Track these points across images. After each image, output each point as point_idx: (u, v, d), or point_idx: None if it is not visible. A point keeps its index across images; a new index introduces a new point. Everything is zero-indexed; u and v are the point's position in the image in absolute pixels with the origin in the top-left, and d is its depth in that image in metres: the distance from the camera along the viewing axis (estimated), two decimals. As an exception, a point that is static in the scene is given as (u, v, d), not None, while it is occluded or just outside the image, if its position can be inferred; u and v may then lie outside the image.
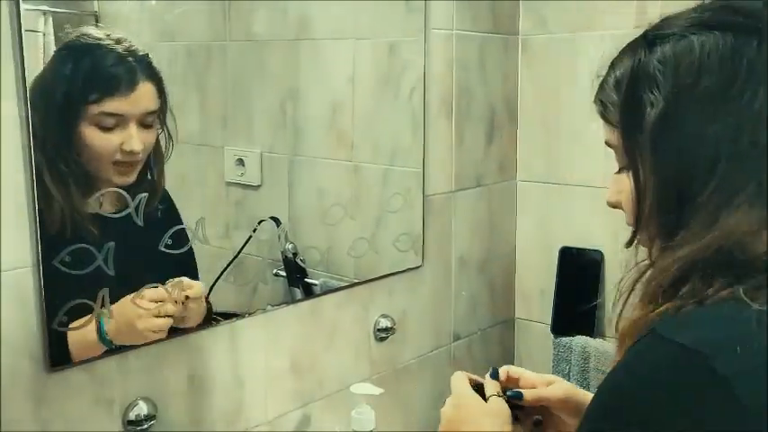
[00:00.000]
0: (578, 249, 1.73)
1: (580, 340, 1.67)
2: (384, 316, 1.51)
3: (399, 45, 1.54)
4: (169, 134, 1.17)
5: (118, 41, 1.09)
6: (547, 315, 1.77)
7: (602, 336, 1.71)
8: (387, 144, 1.56)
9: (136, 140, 1.11)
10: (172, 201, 1.20)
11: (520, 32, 1.77)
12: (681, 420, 0.59)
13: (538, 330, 1.83)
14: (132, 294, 1.10)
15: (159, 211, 1.16)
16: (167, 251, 1.14)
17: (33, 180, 0.98)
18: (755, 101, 0.66)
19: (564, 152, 1.73)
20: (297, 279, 1.41)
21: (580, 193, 1.72)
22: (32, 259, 0.99)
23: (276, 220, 1.36)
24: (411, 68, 1.54)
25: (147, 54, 1.12)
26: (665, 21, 0.73)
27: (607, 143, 0.77)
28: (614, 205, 0.79)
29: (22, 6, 0.96)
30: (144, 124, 1.13)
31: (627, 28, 1.62)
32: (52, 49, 1.03)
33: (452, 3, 1.59)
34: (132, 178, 1.14)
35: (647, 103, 0.69)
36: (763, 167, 0.65)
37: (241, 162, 1.36)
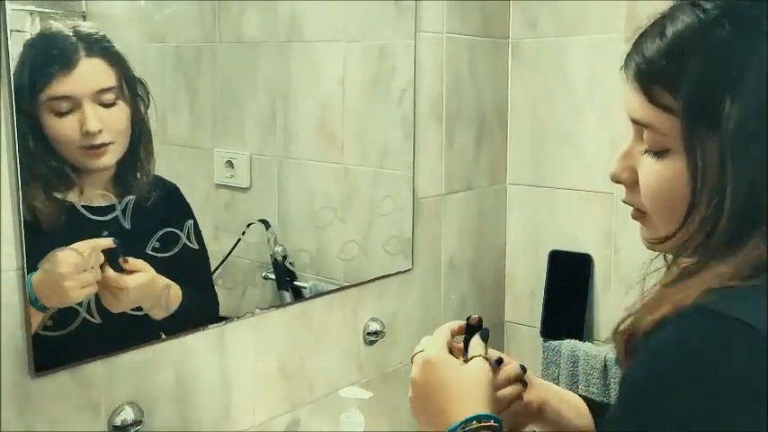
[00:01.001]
0: (568, 253, 1.73)
1: (569, 344, 1.67)
2: (373, 319, 1.51)
3: (390, 48, 1.53)
4: (146, 105, 1.14)
5: (72, 28, 1.07)
6: (536, 318, 1.77)
7: (591, 339, 1.71)
8: (377, 147, 1.55)
9: (91, 120, 1.08)
10: (181, 196, 1.19)
11: (510, 36, 1.77)
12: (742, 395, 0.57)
13: (527, 333, 1.82)
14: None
15: (155, 204, 1.15)
16: (154, 254, 1.13)
17: (18, 181, 0.97)
18: None
19: (554, 156, 1.72)
20: (286, 282, 1.40)
21: (570, 196, 1.72)
22: (17, 263, 0.98)
23: (265, 223, 1.36)
24: (401, 71, 1.54)
25: (97, 32, 1.09)
26: None
27: (635, 120, 0.69)
28: (620, 182, 0.72)
29: (8, 6, 0.95)
30: (102, 103, 1.09)
31: (616, 32, 1.64)
32: (39, 49, 1.02)
33: (443, 6, 1.59)
34: (108, 160, 1.11)
35: (728, 98, 0.61)
36: None
37: (230, 164, 1.35)
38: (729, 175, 0.62)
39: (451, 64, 1.63)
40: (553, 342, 1.70)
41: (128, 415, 1.09)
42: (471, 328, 0.88)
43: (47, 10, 1.03)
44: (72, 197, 1.07)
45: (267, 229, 1.36)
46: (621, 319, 0.70)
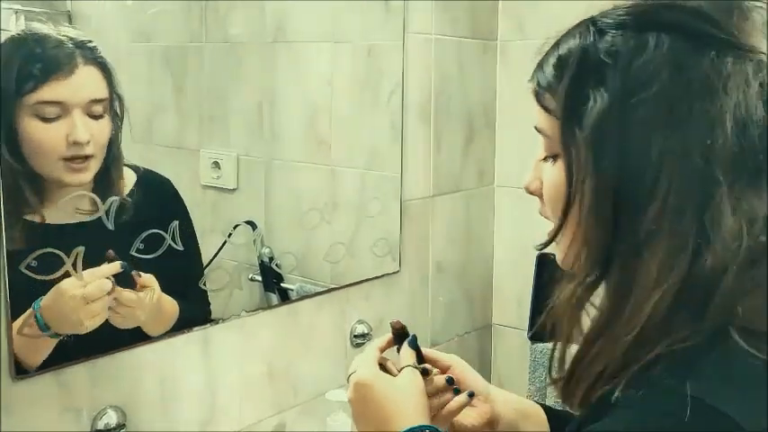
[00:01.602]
0: (556, 256, 1.73)
1: (557, 346, 1.66)
2: (360, 322, 1.50)
3: (378, 49, 1.53)
4: (121, 122, 1.11)
5: (65, 34, 1.03)
6: (524, 321, 1.77)
7: (578, 342, 1.71)
8: (364, 148, 1.55)
9: (81, 130, 1.04)
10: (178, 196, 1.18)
11: (498, 38, 1.77)
12: None
13: (515, 336, 1.82)
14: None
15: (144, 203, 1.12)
16: (140, 256, 1.12)
17: None
18: (705, 120, 0.60)
19: (542, 158, 1.72)
20: (273, 284, 1.40)
21: (558, 199, 1.71)
22: (-5, 264, 0.97)
23: (252, 224, 1.35)
24: (389, 72, 1.53)
25: (90, 40, 1.06)
26: (619, 9, 0.66)
27: (537, 128, 0.71)
28: (532, 192, 0.74)
29: (-4, 5, 0.94)
30: (91, 114, 1.06)
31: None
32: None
33: (431, 7, 1.59)
34: (87, 176, 1.07)
35: (591, 96, 0.63)
36: (710, 194, 0.59)
37: (217, 165, 1.34)
38: (591, 175, 0.63)
39: (440, 65, 1.63)
40: (540, 345, 1.70)
41: (111, 419, 1.08)
42: (400, 337, 0.90)
43: (32, 9, 1.02)
44: (39, 216, 1.03)
45: (254, 230, 1.35)
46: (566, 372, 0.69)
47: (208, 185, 1.35)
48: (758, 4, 0.64)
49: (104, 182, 1.10)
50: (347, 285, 1.48)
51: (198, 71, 1.28)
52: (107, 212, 1.08)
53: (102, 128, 1.08)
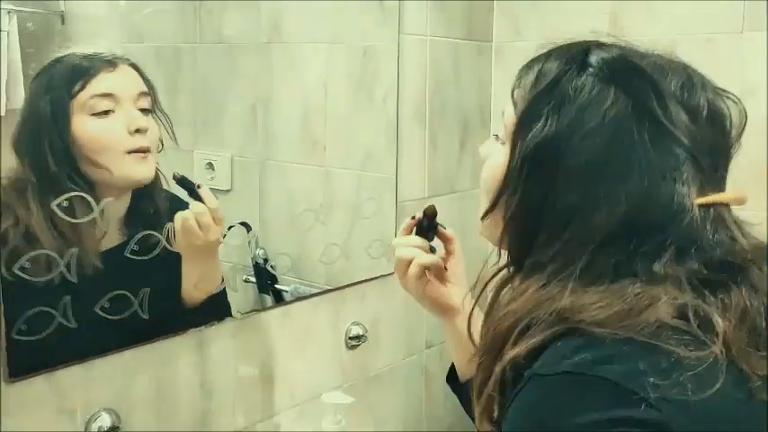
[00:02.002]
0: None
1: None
2: (356, 323, 1.50)
3: (373, 50, 1.52)
4: (168, 121, 1.14)
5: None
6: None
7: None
8: (359, 149, 1.54)
9: (139, 117, 1.07)
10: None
11: (494, 39, 1.77)
12: None
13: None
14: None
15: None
16: (133, 257, 1.11)
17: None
18: (622, 190, 0.66)
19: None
20: (267, 285, 1.39)
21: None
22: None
23: (246, 226, 1.34)
24: (384, 73, 1.53)
25: (116, 53, 1.09)
26: (609, 47, 0.73)
27: (503, 113, 0.77)
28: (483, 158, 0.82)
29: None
30: (141, 108, 1.09)
31: (600, 36, 1.64)
32: (16, 48, 1.00)
33: (426, 8, 1.58)
34: (149, 171, 1.10)
35: (545, 117, 0.70)
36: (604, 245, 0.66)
37: (211, 166, 1.34)
38: (519, 185, 0.72)
39: (435, 67, 1.63)
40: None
41: (104, 421, 1.07)
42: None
43: (25, 9, 1.01)
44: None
45: (248, 231, 1.34)
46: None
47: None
48: (728, 94, 0.73)
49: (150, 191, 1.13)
50: (342, 287, 1.48)
51: (192, 72, 1.27)
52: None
53: (153, 123, 1.11)
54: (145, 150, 1.09)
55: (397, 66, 1.53)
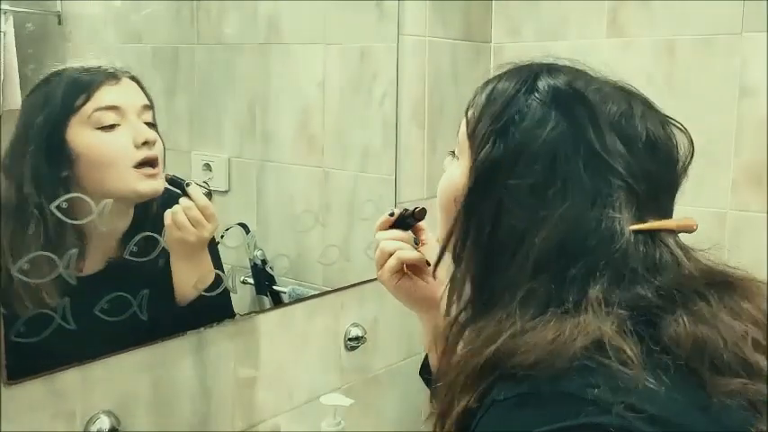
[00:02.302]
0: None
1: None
2: (355, 325, 1.49)
3: (371, 50, 1.52)
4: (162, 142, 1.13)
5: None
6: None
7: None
8: (358, 150, 1.54)
9: (146, 129, 1.06)
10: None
11: (492, 40, 1.77)
12: None
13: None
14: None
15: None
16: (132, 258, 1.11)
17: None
18: (557, 214, 0.68)
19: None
20: (265, 287, 1.38)
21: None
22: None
23: (244, 227, 1.34)
24: (383, 74, 1.53)
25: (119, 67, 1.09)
26: (558, 70, 0.75)
27: (459, 129, 0.80)
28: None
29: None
30: (145, 122, 1.08)
31: (599, 37, 1.64)
32: (12, 49, 1.00)
33: (425, 9, 1.58)
34: (157, 186, 1.09)
35: (492, 139, 0.72)
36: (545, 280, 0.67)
37: (208, 167, 1.33)
38: (470, 201, 0.73)
39: (434, 67, 1.62)
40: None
41: (103, 424, 1.06)
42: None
43: (22, 10, 1.01)
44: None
45: (246, 233, 1.33)
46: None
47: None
48: (675, 123, 0.74)
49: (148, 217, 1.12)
50: (341, 288, 1.48)
51: (189, 72, 1.27)
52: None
53: (157, 136, 1.10)
54: (153, 161, 1.08)
55: (395, 66, 1.53)
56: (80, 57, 1.07)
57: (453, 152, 0.82)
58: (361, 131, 1.54)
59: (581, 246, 0.68)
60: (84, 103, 1.02)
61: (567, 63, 0.77)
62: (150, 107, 1.10)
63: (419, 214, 1.02)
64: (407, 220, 1.03)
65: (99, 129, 1.03)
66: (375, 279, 1.52)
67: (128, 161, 1.05)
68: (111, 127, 1.04)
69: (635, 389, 0.59)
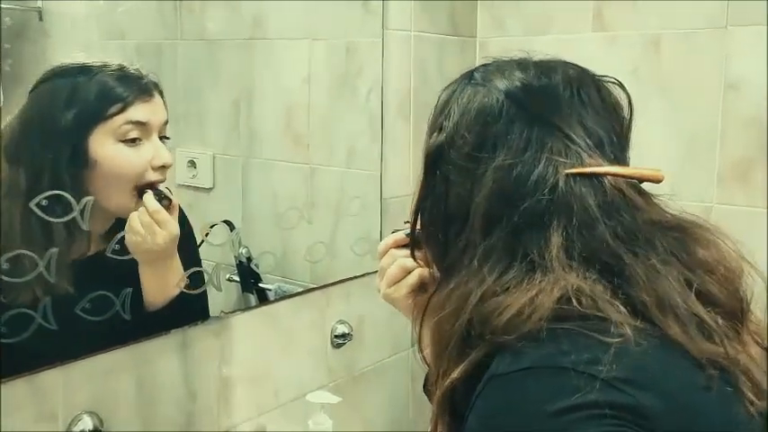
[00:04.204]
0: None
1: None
2: (341, 322, 1.49)
3: (356, 46, 1.51)
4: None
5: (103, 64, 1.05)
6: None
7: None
8: (343, 146, 1.53)
9: (165, 152, 1.06)
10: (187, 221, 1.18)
11: (478, 34, 1.76)
12: None
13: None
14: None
15: None
16: (115, 257, 1.10)
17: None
18: (489, 170, 0.71)
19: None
20: (251, 284, 1.38)
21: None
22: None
23: (229, 224, 1.33)
24: (368, 70, 1.52)
25: (148, 73, 1.10)
26: (493, 63, 0.79)
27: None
28: None
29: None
30: (162, 136, 1.08)
31: (584, 31, 1.64)
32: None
33: (410, 4, 1.58)
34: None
35: (437, 128, 0.77)
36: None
37: (193, 164, 1.32)
38: (422, 192, 0.78)
39: (419, 62, 1.62)
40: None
41: (86, 424, 1.05)
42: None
43: (1, 5, 0.99)
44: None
45: (231, 230, 1.33)
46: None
47: (183, 185, 1.33)
48: (608, 78, 0.77)
49: None
50: (327, 285, 1.47)
51: (173, 69, 1.26)
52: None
53: (169, 152, 1.10)
54: (156, 185, 1.09)
55: (381, 62, 1.52)
56: (64, 53, 1.05)
57: None
58: (347, 127, 1.53)
59: (519, 192, 0.70)
60: (117, 113, 1.02)
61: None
62: (167, 123, 1.11)
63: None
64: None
65: (122, 141, 1.03)
66: (361, 276, 1.53)
67: (137, 180, 1.06)
68: (133, 141, 1.05)
69: (635, 361, 0.60)
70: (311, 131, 1.47)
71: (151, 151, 1.06)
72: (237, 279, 1.36)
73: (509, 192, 0.70)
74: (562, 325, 0.63)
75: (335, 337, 1.48)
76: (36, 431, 1.02)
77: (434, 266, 0.81)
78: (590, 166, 0.70)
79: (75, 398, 1.06)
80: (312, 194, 1.48)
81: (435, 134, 0.77)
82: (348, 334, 1.49)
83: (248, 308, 1.35)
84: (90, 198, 1.05)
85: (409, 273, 0.97)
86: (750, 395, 0.64)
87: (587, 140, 0.72)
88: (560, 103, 0.73)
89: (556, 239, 0.67)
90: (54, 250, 1.01)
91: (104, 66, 1.05)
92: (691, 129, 1.51)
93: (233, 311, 1.31)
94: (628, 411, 0.58)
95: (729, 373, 0.64)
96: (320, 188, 1.49)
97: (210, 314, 1.26)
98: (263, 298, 1.39)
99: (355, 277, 1.52)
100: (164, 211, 1.10)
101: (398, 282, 0.98)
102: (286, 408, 1.39)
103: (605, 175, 0.70)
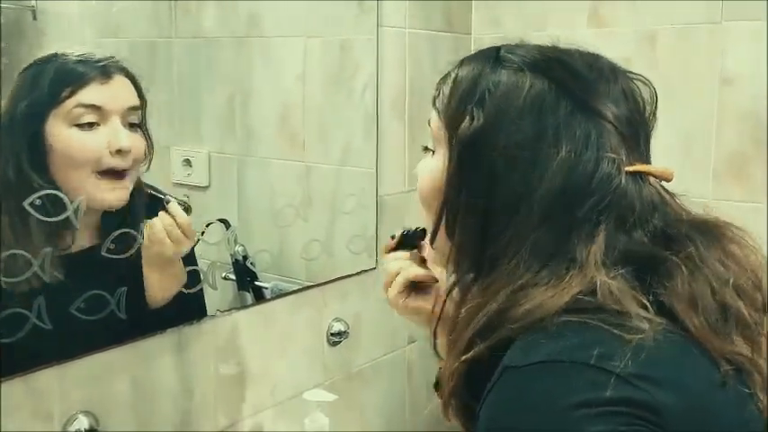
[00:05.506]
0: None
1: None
2: (337, 320, 1.48)
3: (351, 43, 1.51)
4: (149, 139, 1.10)
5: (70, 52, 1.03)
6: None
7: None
8: (339, 144, 1.53)
9: (124, 136, 1.02)
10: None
11: (472, 31, 1.76)
12: None
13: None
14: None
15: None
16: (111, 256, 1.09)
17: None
18: (554, 163, 0.68)
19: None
20: (247, 283, 1.37)
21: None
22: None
23: (225, 222, 1.32)
24: (363, 67, 1.52)
25: (113, 56, 1.06)
26: (521, 46, 0.76)
27: (429, 123, 0.79)
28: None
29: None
30: (129, 123, 1.04)
31: (579, 27, 1.64)
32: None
33: (405, 1, 1.57)
34: (120, 197, 1.05)
35: (469, 113, 0.72)
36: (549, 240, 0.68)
37: (188, 162, 1.32)
38: (457, 181, 0.73)
39: (414, 60, 1.61)
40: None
41: (82, 424, 1.05)
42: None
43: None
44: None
45: (227, 228, 1.32)
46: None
47: (179, 183, 1.32)
48: (637, 76, 0.76)
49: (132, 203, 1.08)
50: (323, 283, 1.47)
51: (167, 67, 1.25)
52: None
53: (139, 141, 1.06)
54: (120, 173, 1.04)
55: (376, 59, 1.52)
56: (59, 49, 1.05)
57: (426, 147, 0.81)
58: (342, 125, 1.53)
59: (583, 188, 0.68)
60: (68, 97, 0.99)
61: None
62: (139, 108, 1.07)
63: (422, 233, 0.99)
64: (411, 241, 1.00)
65: (76, 126, 1.00)
66: (357, 274, 1.53)
67: (94, 166, 1.02)
68: (90, 126, 1.01)
69: (652, 357, 0.60)
70: (306, 129, 1.47)
71: (107, 135, 1.02)
72: (233, 277, 1.36)
73: (575, 187, 0.68)
74: (579, 317, 0.63)
75: (332, 335, 1.48)
76: (32, 430, 1.02)
77: (454, 261, 0.76)
78: (637, 164, 0.70)
79: (70, 397, 1.06)
80: (308, 192, 1.47)
81: (468, 121, 0.72)
82: (344, 332, 1.49)
83: (244, 306, 1.35)
84: (81, 198, 1.05)
85: (396, 276, 0.98)
86: (761, 395, 0.64)
87: (632, 139, 0.72)
88: (611, 97, 0.72)
89: (601, 237, 0.67)
90: (48, 250, 1.00)
91: (67, 53, 1.02)
92: (686, 124, 1.51)
93: (229, 310, 1.30)
94: (643, 408, 0.58)
95: (745, 371, 0.64)
96: (316, 186, 1.49)
97: (207, 313, 1.25)
98: (259, 296, 1.39)
99: (351, 275, 1.52)
100: (189, 221, 1.11)
101: (389, 285, 0.99)
102: (282, 406, 1.39)
103: (648, 174, 0.71)
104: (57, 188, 1.00)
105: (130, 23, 1.18)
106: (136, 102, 1.07)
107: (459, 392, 0.70)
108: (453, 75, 0.76)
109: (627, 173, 0.69)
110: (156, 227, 1.10)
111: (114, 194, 1.05)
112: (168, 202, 1.11)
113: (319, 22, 1.46)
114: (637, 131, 0.73)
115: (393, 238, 1.00)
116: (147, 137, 1.10)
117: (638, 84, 0.76)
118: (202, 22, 1.31)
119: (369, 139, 1.54)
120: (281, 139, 1.45)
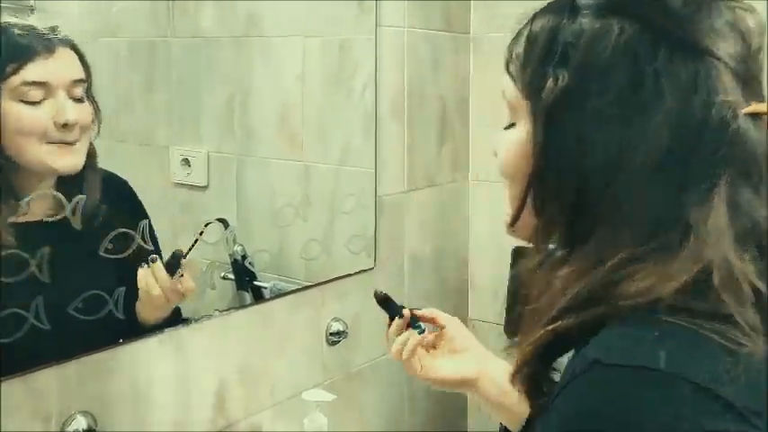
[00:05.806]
0: (531, 249, 1.73)
1: (534, 340, 1.66)
2: (336, 319, 1.48)
3: (350, 43, 1.51)
4: (97, 108, 1.09)
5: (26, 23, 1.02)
6: (501, 316, 1.77)
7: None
8: (338, 143, 1.53)
9: (70, 109, 1.02)
10: (132, 193, 1.16)
11: (471, 30, 1.76)
12: None
13: (491, 330, 1.82)
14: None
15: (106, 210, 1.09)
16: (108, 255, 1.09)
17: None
18: (657, 115, 0.60)
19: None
20: (246, 282, 1.37)
21: (533, 192, 1.71)
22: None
23: (224, 222, 1.32)
24: (362, 66, 1.52)
25: (56, 26, 1.04)
26: None
27: (504, 94, 0.71)
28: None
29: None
30: (73, 97, 1.04)
31: None
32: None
33: (404, 1, 1.57)
34: (74, 161, 1.05)
35: (551, 74, 0.64)
36: (661, 194, 0.60)
37: (187, 162, 1.32)
38: (546, 149, 0.65)
39: (413, 59, 1.61)
40: (517, 339, 1.69)
41: (80, 424, 1.05)
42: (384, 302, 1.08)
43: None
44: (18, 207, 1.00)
45: (226, 228, 1.32)
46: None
47: (178, 183, 1.33)
48: (739, 5, 0.64)
49: (76, 178, 1.07)
50: (322, 283, 1.47)
51: (166, 66, 1.25)
52: (73, 211, 1.04)
53: (86, 111, 1.06)
54: (70, 143, 1.05)
55: (374, 58, 1.52)
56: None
57: (506, 127, 0.72)
58: (342, 124, 1.53)
59: (695, 139, 0.60)
60: (12, 73, 0.99)
61: None
62: (83, 81, 1.06)
63: (380, 297, 1.07)
64: (387, 308, 1.07)
65: (23, 101, 1.00)
66: (356, 273, 1.53)
67: (41, 137, 1.02)
68: (36, 102, 1.01)
69: (751, 374, 0.53)
70: (306, 129, 1.47)
71: (53, 109, 1.02)
72: (232, 277, 1.36)
73: (685, 139, 0.60)
74: (689, 321, 0.56)
75: (331, 334, 1.48)
76: (30, 430, 1.02)
77: (544, 235, 0.68)
78: (753, 104, 0.61)
79: (69, 397, 1.05)
80: (307, 192, 1.47)
81: (552, 82, 0.63)
82: (343, 332, 1.48)
83: (243, 306, 1.35)
84: (82, 197, 1.05)
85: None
86: None
87: (745, 74, 0.62)
88: (715, 30, 0.62)
89: (720, 198, 0.59)
90: (46, 249, 1.00)
91: (12, 23, 1.01)
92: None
93: (227, 310, 1.30)
94: None
95: None
96: (315, 185, 1.49)
97: (205, 313, 1.25)
98: (258, 296, 1.38)
99: (350, 275, 1.52)
100: (175, 283, 1.14)
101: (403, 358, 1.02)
102: (281, 406, 1.39)
103: (764, 114, 0.61)
104: (7, 158, 1.00)
105: (129, 23, 1.19)
106: (81, 74, 1.06)
107: (534, 362, 0.65)
108: (526, 32, 0.68)
109: (744, 115, 0.60)
110: (141, 283, 1.12)
111: (65, 160, 1.05)
112: (154, 261, 1.13)
113: (318, 21, 1.46)
114: (749, 67, 0.63)
115: (400, 316, 1.06)
116: (95, 106, 1.09)
117: (742, 12, 0.65)
118: (200, 22, 1.31)
119: (368, 139, 1.54)
120: (280, 138, 1.45)
